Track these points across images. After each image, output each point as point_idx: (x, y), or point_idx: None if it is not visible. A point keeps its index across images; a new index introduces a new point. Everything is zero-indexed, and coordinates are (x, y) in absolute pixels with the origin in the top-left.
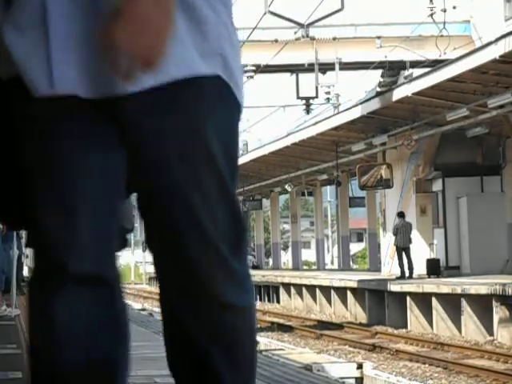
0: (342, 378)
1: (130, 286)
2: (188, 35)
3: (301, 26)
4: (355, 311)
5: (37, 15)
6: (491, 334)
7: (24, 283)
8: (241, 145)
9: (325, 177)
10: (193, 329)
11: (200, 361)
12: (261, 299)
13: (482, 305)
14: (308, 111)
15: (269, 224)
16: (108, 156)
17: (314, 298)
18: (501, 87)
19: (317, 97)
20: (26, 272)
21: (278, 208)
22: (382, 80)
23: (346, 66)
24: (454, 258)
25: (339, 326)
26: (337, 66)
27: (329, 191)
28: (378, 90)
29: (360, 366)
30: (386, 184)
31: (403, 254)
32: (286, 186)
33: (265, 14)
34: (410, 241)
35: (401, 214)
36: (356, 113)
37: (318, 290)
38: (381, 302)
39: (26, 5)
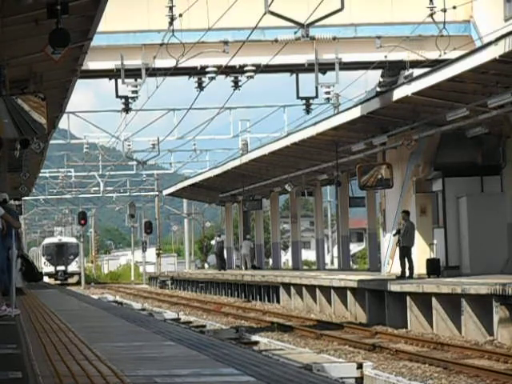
0: (341, 378)
1: (130, 286)
2: None
3: (301, 25)
4: (355, 311)
5: None
6: (491, 334)
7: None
8: (241, 145)
9: (325, 177)
10: None
11: None
12: (261, 299)
13: (482, 305)
14: (308, 111)
15: (269, 224)
16: None
17: (314, 298)
18: (501, 87)
19: (317, 97)
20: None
21: (278, 208)
22: (381, 80)
23: (346, 66)
24: (453, 258)
25: (339, 326)
26: (337, 66)
27: (329, 191)
28: (378, 90)
29: (360, 366)
30: (386, 184)
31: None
32: (286, 186)
33: (265, 13)
34: (413, 241)
35: (407, 214)
36: (356, 113)
37: (317, 290)
38: (381, 302)
39: None
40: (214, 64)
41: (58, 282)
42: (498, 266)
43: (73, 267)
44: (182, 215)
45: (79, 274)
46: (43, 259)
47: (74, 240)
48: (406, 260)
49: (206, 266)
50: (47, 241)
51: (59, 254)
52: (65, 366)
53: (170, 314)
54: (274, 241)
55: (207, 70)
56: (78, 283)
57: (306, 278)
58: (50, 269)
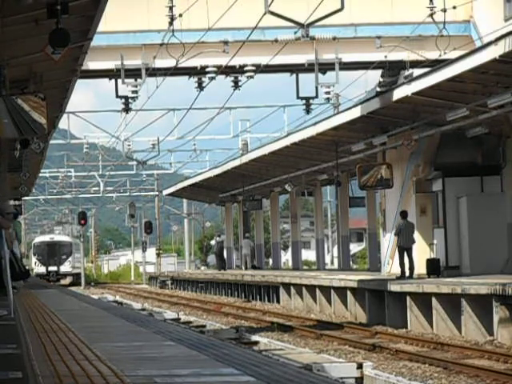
0: (341, 378)
1: (130, 286)
2: None
3: (301, 25)
4: (355, 311)
5: None
6: (491, 334)
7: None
8: (241, 145)
9: (325, 177)
10: None
11: None
12: (261, 299)
13: (482, 305)
14: (308, 111)
15: (269, 224)
16: None
17: (313, 298)
18: (501, 87)
19: (317, 97)
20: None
21: (278, 208)
22: (381, 80)
23: (346, 66)
24: (453, 258)
25: (339, 326)
26: (337, 66)
27: (329, 191)
28: (378, 90)
29: (360, 366)
30: (386, 184)
31: (405, 254)
32: (286, 186)
33: (265, 13)
34: (412, 241)
35: (404, 214)
36: (356, 113)
37: (317, 290)
38: (381, 302)
39: None
40: (214, 64)
41: (50, 283)
42: (497, 266)
43: (66, 267)
44: (182, 215)
45: (73, 274)
46: (34, 259)
47: (67, 238)
48: (407, 260)
49: (203, 268)
50: (38, 239)
51: (51, 253)
52: (65, 366)
53: (169, 314)
54: (274, 241)
55: (207, 70)
56: (72, 284)
57: (306, 277)
58: (42, 269)
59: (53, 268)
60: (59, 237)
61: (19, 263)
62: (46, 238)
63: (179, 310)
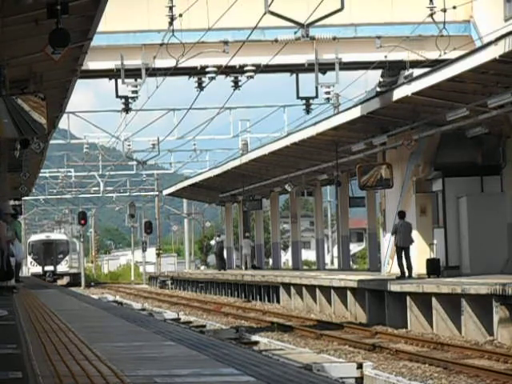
0: (341, 378)
1: (130, 286)
2: None
3: (301, 25)
4: (355, 311)
5: None
6: (491, 334)
7: (21, 283)
8: (241, 145)
9: (325, 177)
10: None
11: None
12: (261, 299)
13: (482, 305)
14: (308, 111)
15: (269, 224)
16: None
17: (313, 298)
18: (501, 87)
19: (317, 97)
20: (25, 272)
21: (278, 208)
22: (381, 80)
23: (346, 66)
24: (453, 258)
25: (339, 326)
26: (337, 66)
27: (329, 191)
28: (378, 90)
29: (360, 366)
30: (386, 184)
31: (403, 253)
32: (286, 186)
33: (265, 13)
34: (410, 241)
35: (401, 214)
36: (356, 113)
37: (317, 290)
38: (381, 302)
39: None
40: (214, 64)
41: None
42: (497, 266)
43: (62, 267)
44: (182, 215)
45: (70, 274)
46: (29, 258)
47: (63, 237)
48: (404, 260)
49: (203, 267)
50: (33, 238)
51: (47, 252)
52: (65, 366)
53: (169, 314)
54: (274, 241)
55: (207, 70)
56: (69, 285)
57: (306, 277)
58: (37, 269)
59: (49, 268)
60: (55, 235)
61: (4, 263)
62: (42, 236)
63: (179, 310)
